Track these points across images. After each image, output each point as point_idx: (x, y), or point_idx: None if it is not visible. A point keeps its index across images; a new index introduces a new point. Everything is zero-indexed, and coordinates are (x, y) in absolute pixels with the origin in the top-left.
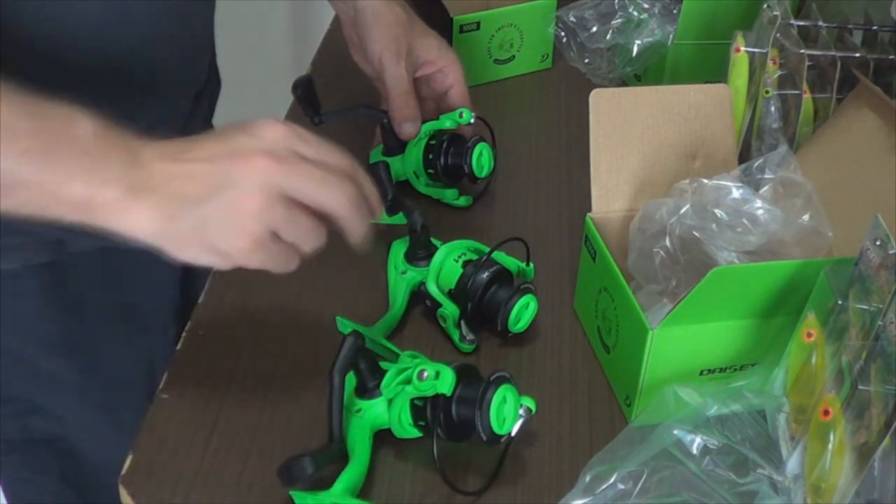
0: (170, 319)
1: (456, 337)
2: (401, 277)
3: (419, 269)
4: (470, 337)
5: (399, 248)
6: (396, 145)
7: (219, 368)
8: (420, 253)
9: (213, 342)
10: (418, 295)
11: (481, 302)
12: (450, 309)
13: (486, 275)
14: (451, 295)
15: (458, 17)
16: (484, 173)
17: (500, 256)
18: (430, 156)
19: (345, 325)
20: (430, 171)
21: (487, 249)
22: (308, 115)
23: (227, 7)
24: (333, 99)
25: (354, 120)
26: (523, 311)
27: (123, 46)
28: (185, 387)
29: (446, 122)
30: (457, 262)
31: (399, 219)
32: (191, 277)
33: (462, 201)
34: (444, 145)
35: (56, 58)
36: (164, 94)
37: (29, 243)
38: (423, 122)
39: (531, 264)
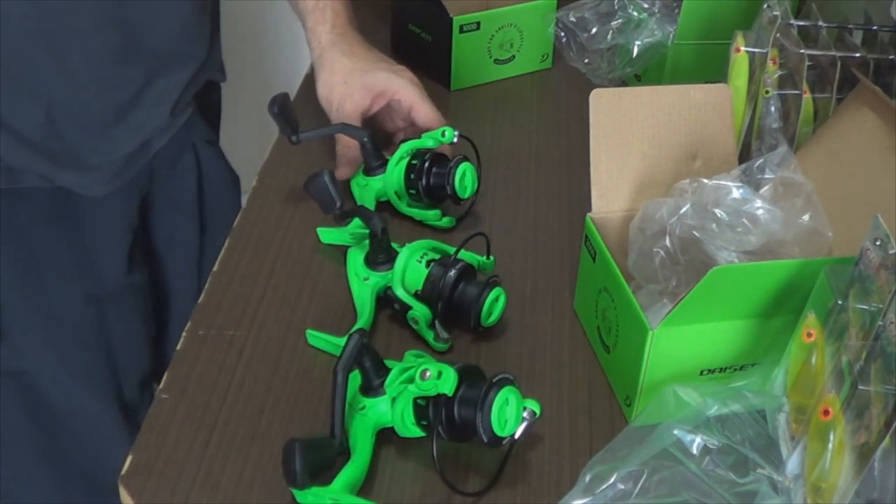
0: (121, 252)
1: (430, 337)
2: (364, 284)
3: (382, 273)
4: (444, 336)
5: (356, 255)
6: (377, 164)
7: (219, 368)
8: (381, 257)
9: (213, 342)
10: (383, 299)
11: (451, 300)
12: (421, 311)
13: (454, 273)
14: (419, 296)
15: (458, 17)
16: (467, 194)
17: (460, 252)
18: (412, 176)
19: (315, 338)
20: (412, 191)
21: (446, 248)
22: (285, 133)
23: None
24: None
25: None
26: (494, 305)
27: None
28: (185, 387)
29: (428, 141)
30: (420, 262)
31: (339, 238)
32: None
33: (445, 222)
34: (426, 165)
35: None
36: (160, 72)
37: None
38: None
39: (491, 257)
